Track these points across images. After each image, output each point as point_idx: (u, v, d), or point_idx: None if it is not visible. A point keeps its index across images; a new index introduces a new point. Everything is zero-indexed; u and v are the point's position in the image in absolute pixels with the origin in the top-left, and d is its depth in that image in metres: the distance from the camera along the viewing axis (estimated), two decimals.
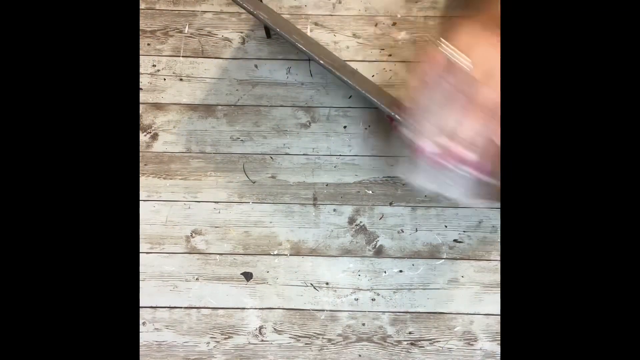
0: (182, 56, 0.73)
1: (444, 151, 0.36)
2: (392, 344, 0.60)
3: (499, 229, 0.65)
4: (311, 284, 0.63)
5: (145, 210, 0.65)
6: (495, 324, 0.61)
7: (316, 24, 0.68)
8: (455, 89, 0.34)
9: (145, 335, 0.60)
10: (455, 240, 0.65)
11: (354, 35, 0.67)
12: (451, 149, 0.36)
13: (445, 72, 0.34)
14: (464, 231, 0.65)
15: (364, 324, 0.61)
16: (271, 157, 0.68)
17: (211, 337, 0.60)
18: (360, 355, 0.60)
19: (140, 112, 0.70)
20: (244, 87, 0.71)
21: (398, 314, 0.62)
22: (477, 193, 0.39)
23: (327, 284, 0.63)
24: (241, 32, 0.74)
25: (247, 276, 0.63)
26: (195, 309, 0.62)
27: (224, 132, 0.69)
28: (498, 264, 0.64)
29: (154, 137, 0.69)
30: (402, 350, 0.60)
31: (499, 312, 0.61)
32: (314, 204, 0.66)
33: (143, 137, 0.69)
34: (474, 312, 0.62)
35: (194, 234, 0.65)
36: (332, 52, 0.68)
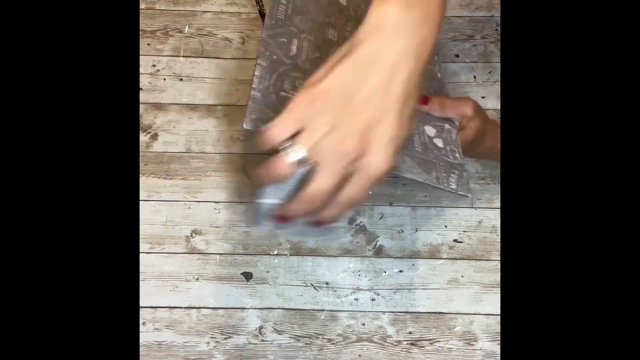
0: (182, 56, 0.73)
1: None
2: (392, 344, 0.60)
3: (499, 229, 0.65)
4: (311, 284, 0.63)
5: (145, 210, 0.65)
6: (495, 324, 0.61)
7: None
8: None
9: (145, 335, 0.60)
10: (455, 240, 0.65)
11: None
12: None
13: None
14: (464, 231, 0.65)
15: (364, 324, 0.61)
16: None
17: (211, 337, 0.60)
18: (360, 355, 0.60)
19: (140, 112, 0.70)
20: (244, 87, 0.71)
21: (398, 314, 0.62)
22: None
23: (327, 284, 0.63)
24: (241, 32, 0.74)
25: (247, 276, 0.63)
26: (195, 309, 0.62)
27: (224, 132, 0.69)
28: (498, 264, 0.64)
29: (154, 137, 0.69)
30: (402, 350, 0.60)
31: (499, 312, 0.61)
32: None
33: (143, 137, 0.69)
34: (474, 312, 0.62)
35: (194, 234, 0.65)
36: None
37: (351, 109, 0.32)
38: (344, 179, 0.34)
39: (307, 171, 0.34)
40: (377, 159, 0.33)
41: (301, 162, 0.33)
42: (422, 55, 0.33)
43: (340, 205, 0.35)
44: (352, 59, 0.33)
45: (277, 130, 0.33)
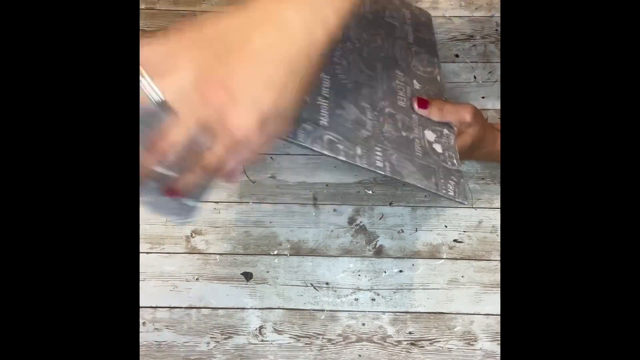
0: None
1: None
2: (392, 344, 0.60)
3: (499, 229, 0.65)
4: (311, 284, 0.63)
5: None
6: (495, 324, 0.61)
7: None
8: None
9: (145, 335, 0.60)
10: (455, 240, 0.65)
11: None
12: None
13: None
14: (464, 231, 0.65)
15: (364, 324, 0.61)
16: (271, 157, 0.68)
17: (211, 337, 0.60)
18: (360, 355, 0.60)
19: None
20: None
21: (398, 314, 0.62)
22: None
23: (327, 284, 0.63)
24: None
25: (247, 276, 0.63)
26: (195, 309, 0.62)
27: None
28: (498, 264, 0.64)
29: None
30: (402, 350, 0.60)
31: (499, 312, 0.61)
32: (314, 204, 0.66)
33: None
34: (474, 312, 0.62)
35: (194, 234, 0.65)
36: None
37: (224, 60, 0.31)
38: (204, 139, 0.31)
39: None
40: (238, 115, 0.31)
41: (160, 104, 0.31)
42: (313, 38, 0.32)
43: (196, 170, 0.33)
44: (244, 14, 0.32)
45: (147, 53, 0.31)
